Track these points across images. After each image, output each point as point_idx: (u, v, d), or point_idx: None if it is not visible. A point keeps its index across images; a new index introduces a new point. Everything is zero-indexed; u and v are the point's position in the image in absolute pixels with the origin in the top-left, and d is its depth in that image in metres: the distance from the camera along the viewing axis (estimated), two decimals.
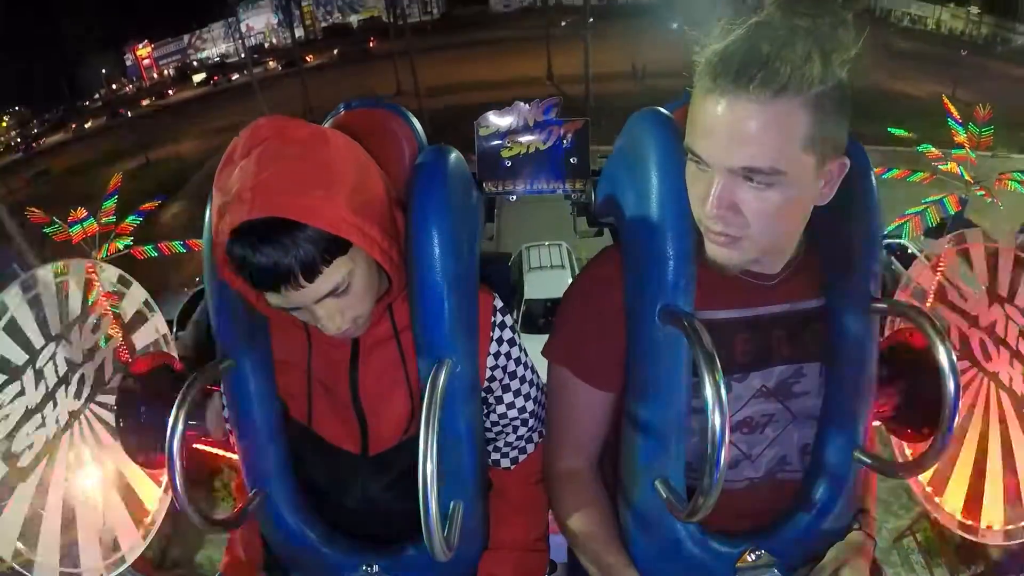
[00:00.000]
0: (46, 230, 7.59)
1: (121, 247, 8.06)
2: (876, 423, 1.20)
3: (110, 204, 8.19)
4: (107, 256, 7.98)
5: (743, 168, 0.71)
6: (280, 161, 0.71)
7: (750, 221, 0.75)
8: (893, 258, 10.44)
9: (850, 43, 0.70)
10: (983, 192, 7.45)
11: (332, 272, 0.74)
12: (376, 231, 0.77)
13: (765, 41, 0.68)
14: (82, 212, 7.79)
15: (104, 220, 8.01)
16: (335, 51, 39.87)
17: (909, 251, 10.36)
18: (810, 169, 0.73)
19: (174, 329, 9.45)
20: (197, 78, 41.95)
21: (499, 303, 0.95)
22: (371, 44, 38.46)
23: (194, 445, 1.44)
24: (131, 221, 8.33)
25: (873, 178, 0.88)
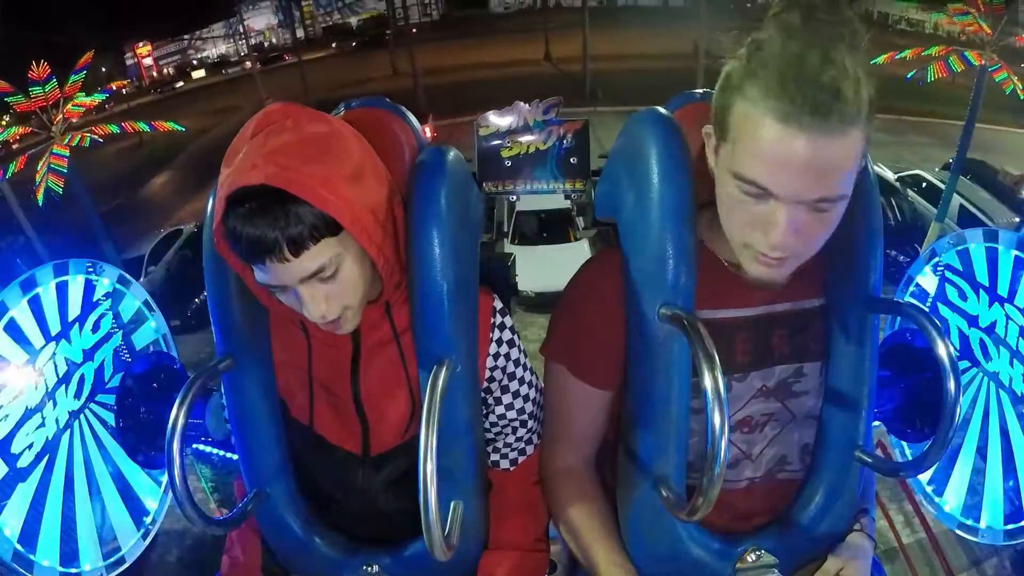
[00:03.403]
0: (8, 99, 7.42)
1: (75, 107, 7.67)
2: (876, 423, 1.20)
3: (77, 79, 7.76)
4: (65, 135, 7.54)
5: (817, 200, 0.71)
6: (285, 140, 0.73)
7: (807, 242, 0.75)
8: (910, 191, 10.20)
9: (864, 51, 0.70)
10: (1003, 74, 7.17)
11: (319, 251, 0.74)
12: (369, 220, 0.77)
13: (823, 64, 0.66)
14: (46, 69, 7.38)
15: (72, 107, 7.67)
16: (333, 44, 39.83)
17: (924, 185, 10.00)
18: (854, 182, 0.74)
19: (145, 264, 10.19)
20: (196, 75, 41.27)
21: (499, 304, 0.96)
22: (369, 37, 38.41)
23: (194, 445, 1.44)
24: (95, 98, 8.16)
25: (873, 177, 0.88)
